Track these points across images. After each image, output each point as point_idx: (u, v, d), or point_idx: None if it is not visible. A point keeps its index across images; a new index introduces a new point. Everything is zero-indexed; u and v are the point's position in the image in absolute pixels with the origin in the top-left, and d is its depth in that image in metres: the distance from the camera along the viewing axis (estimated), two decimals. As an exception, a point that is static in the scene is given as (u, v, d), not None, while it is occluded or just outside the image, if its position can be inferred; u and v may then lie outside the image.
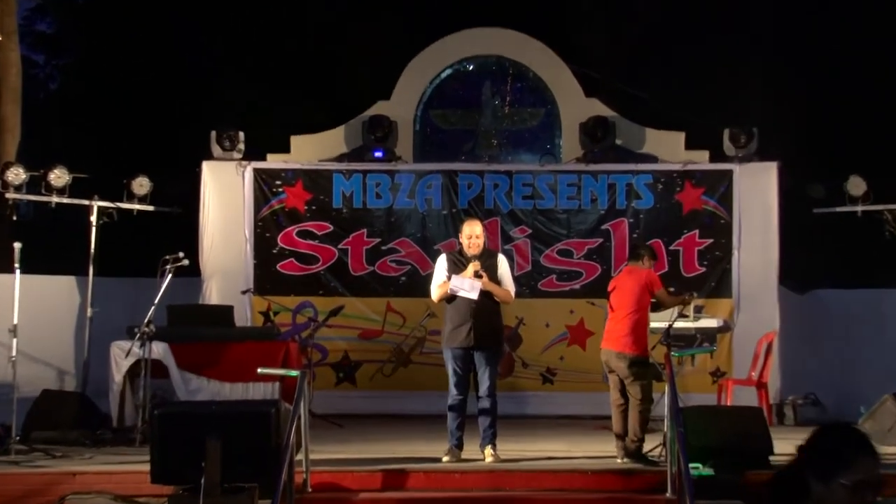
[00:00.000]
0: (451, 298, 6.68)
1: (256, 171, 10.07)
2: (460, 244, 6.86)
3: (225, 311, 8.78)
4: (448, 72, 10.66)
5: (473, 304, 6.56)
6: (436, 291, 6.80)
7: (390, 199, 10.19)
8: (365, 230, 10.17)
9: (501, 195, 10.17)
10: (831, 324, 9.73)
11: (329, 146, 10.36)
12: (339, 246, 10.13)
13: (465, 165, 10.31)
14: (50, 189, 9.21)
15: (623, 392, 6.79)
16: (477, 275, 6.59)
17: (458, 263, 6.80)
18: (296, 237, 10.11)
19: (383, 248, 10.17)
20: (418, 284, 9.83)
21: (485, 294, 6.63)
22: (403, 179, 10.14)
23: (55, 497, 5.80)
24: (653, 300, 6.80)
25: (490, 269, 6.76)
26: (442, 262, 6.86)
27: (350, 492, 5.93)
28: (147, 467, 5.34)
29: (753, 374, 9.01)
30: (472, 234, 6.71)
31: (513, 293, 6.83)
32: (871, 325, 9.54)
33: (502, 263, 6.83)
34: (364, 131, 10.26)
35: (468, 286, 6.51)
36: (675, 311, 7.30)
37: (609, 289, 7.01)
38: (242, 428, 5.24)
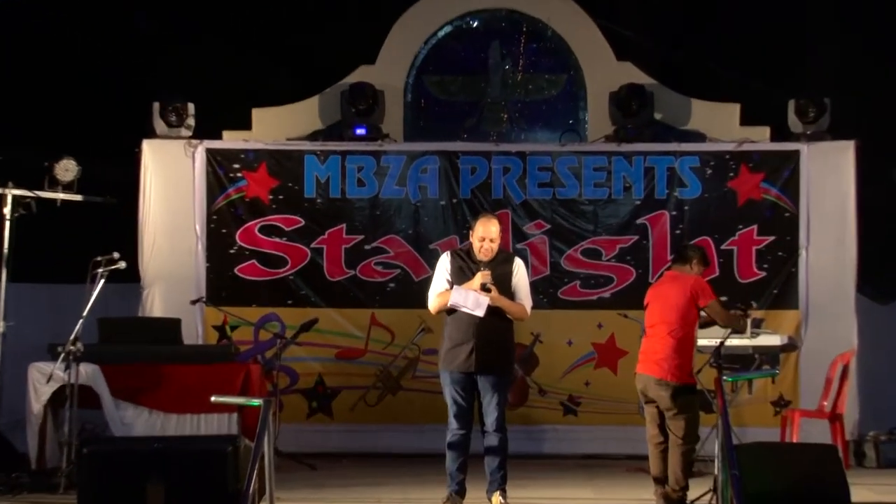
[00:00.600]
0: (451, 309, 6.73)
1: (210, 153, 10.11)
2: (468, 244, 6.90)
3: (170, 326, 8.84)
4: (447, 29, 10.72)
5: (478, 319, 6.63)
6: (434, 300, 6.82)
7: (375, 186, 10.20)
8: (344, 225, 10.17)
9: (513, 182, 10.20)
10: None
11: (299, 121, 10.43)
12: (313, 245, 10.16)
13: (467, 145, 10.34)
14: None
15: (663, 427, 6.88)
16: (485, 288, 6.61)
17: (463, 268, 6.81)
18: (258, 234, 10.17)
19: (367, 247, 10.18)
20: (410, 292, 9.89)
21: (493, 310, 6.68)
22: (392, 162, 10.17)
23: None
24: (701, 315, 6.89)
25: (503, 279, 6.77)
26: (444, 264, 6.86)
27: (325, 549, 5.95)
28: (74, 519, 5.26)
29: (825, 403, 9.05)
30: (487, 235, 6.73)
31: (528, 308, 6.86)
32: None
33: (519, 270, 6.86)
34: (343, 103, 10.29)
35: (472, 302, 6.55)
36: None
37: (646, 300, 7.07)
38: (192, 470, 5.26)
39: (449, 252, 6.96)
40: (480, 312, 6.52)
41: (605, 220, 10.16)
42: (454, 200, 10.18)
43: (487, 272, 6.63)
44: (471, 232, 6.87)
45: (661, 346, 6.77)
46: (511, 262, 6.85)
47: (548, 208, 10.17)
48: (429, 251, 10.01)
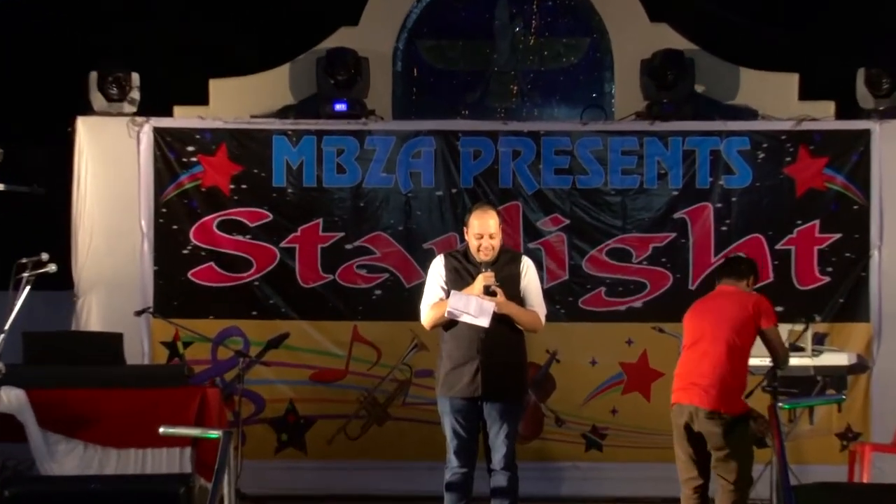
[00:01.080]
0: (449, 323, 6.78)
1: (158, 133, 10.15)
2: (465, 243, 6.95)
3: (110, 342, 8.84)
4: (445, -17, 10.77)
5: (482, 334, 6.67)
6: (428, 313, 6.88)
7: (358, 173, 10.24)
8: (320, 220, 10.22)
9: (524, 168, 10.22)
10: None
11: (266, 95, 10.46)
12: (283, 244, 10.19)
13: (470, 124, 10.36)
14: None
15: (702, 465, 6.95)
16: (489, 292, 6.66)
17: (461, 272, 6.88)
18: (217, 231, 10.20)
19: (348, 247, 10.21)
20: (400, 301, 9.92)
21: (500, 319, 6.72)
22: (378, 144, 10.21)
23: None
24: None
25: (509, 281, 6.83)
26: (438, 268, 6.93)
27: None
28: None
29: (902, 436, 9.03)
30: (484, 230, 6.78)
31: (542, 316, 6.94)
32: None
33: (528, 271, 6.94)
34: (319, 72, 10.29)
35: (475, 308, 6.59)
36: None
37: (688, 316, 7.17)
38: (137, 515, 5.07)
39: (443, 255, 7.03)
40: (485, 322, 6.57)
41: (635, 214, 10.17)
42: (453, 191, 10.19)
43: (490, 273, 6.69)
44: (465, 229, 6.95)
45: (711, 369, 6.83)
46: (518, 261, 6.93)
47: (566, 200, 10.18)
48: (422, 252, 9.99)
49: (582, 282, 10.17)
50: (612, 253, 10.20)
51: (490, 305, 6.62)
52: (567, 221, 10.19)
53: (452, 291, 6.66)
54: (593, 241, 10.18)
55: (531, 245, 10.09)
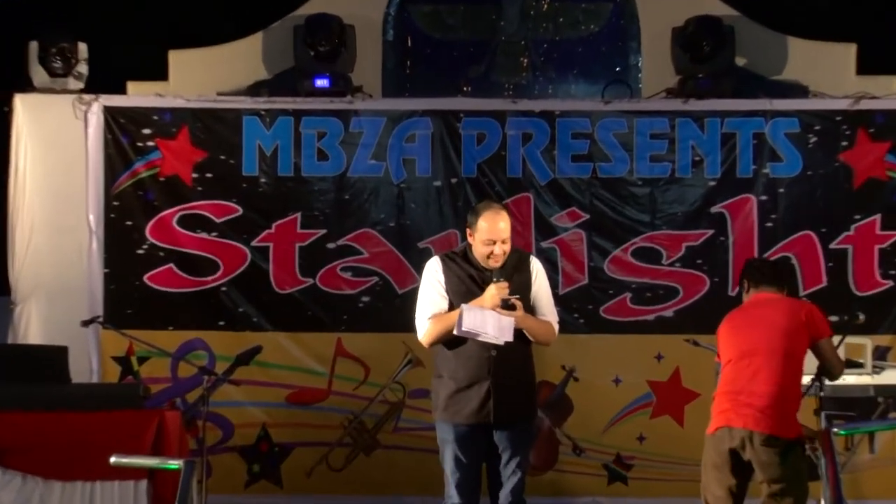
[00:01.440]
0: (453, 339, 6.75)
1: (109, 113, 10.17)
2: (467, 245, 6.93)
3: (53, 357, 8.84)
4: (444, -63, 10.84)
5: (494, 351, 6.67)
6: (429, 327, 6.82)
7: (343, 160, 10.26)
8: (298, 215, 10.25)
9: (536, 154, 10.23)
10: None
11: (236, 69, 10.49)
12: (254, 243, 10.22)
13: (473, 103, 10.36)
14: None
15: (739, 498, 6.96)
16: (507, 306, 6.62)
17: (463, 278, 6.85)
18: (177, 227, 10.22)
19: (330, 245, 10.23)
20: (391, 310, 10.00)
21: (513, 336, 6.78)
22: (366, 127, 10.21)
23: None
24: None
25: (521, 289, 6.84)
26: (435, 273, 6.89)
27: None
28: None
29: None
30: (497, 236, 6.74)
31: (556, 326, 6.97)
32: None
33: (538, 275, 6.96)
34: (297, 42, 10.30)
35: (493, 326, 6.56)
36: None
37: (726, 327, 7.17)
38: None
39: (438, 258, 6.98)
40: (507, 338, 6.58)
41: (666, 207, 10.18)
42: (453, 181, 10.20)
43: (505, 284, 6.65)
44: (469, 231, 6.91)
45: (765, 386, 6.85)
46: (527, 263, 6.94)
47: (586, 192, 10.19)
48: (417, 252, 10.01)
49: (604, 287, 10.15)
50: (639, 253, 10.19)
51: (510, 322, 6.60)
52: (586, 216, 10.18)
53: (464, 307, 6.59)
54: (617, 239, 10.17)
55: (544, 244, 10.12)
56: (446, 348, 6.80)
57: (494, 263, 6.71)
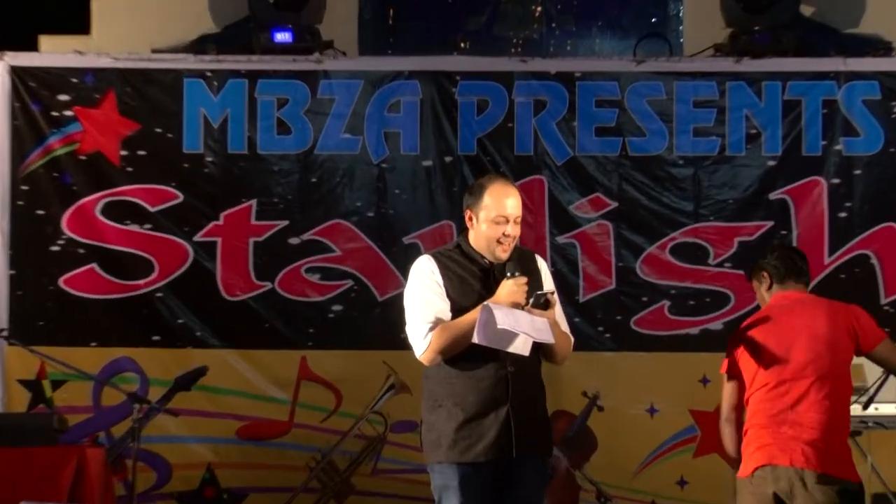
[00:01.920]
0: (462, 355, 6.13)
1: (17, 74, 9.72)
2: (461, 239, 6.38)
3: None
4: None
5: (511, 367, 6.17)
6: (434, 337, 6.19)
7: (309, 134, 9.69)
8: (253, 202, 9.68)
9: (551, 127, 9.61)
10: None
11: (175, 20, 10.06)
12: (198, 237, 9.67)
13: (472, 62, 9.91)
14: None
15: None
16: (540, 303, 6.13)
17: (466, 278, 6.29)
18: (101, 217, 9.74)
19: (293, 241, 9.69)
20: (368, 321, 9.55)
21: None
22: (338, 92, 9.73)
23: None
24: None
25: (535, 290, 6.30)
26: (430, 274, 6.31)
27: None
28: None
29: None
30: (508, 213, 6.24)
31: (570, 338, 6.54)
32: None
33: (547, 276, 6.53)
34: (252, -11, 10.06)
35: (528, 326, 6.09)
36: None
37: (752, 338, 6.68)
38: None
39: (429, 256, 6.42)
40: (546, 340, 6.16)
41: (714, 193, 9.62)
42: (448, 159, 9.65)
43: (523, 279, 6.12)
44: (468, 214, 6.29)
45: (814, 414, 6.41)
46: (533, 262, 6.49)
47: (613, 174, 9.64)
48: (402, 248, 9.46)
49: (636, 292, 9.62)
50: (681, 250, 9.62)
51: (544, 323, 6.11)
52: (614, 204, 9.65)
53: (490, 305, 6.05)
54: (652, 233, 9.62)
55: (561, 239, 9.60)
56: (450, 367, 6.20)
57: (504, 253, 6.22)
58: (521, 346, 6.13)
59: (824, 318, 6.57)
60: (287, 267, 9.62)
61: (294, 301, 9.64)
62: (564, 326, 6.47)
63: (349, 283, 9.63)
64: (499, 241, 6.18)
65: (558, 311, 6.39)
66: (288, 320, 9.64)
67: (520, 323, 6.10)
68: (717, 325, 9.52)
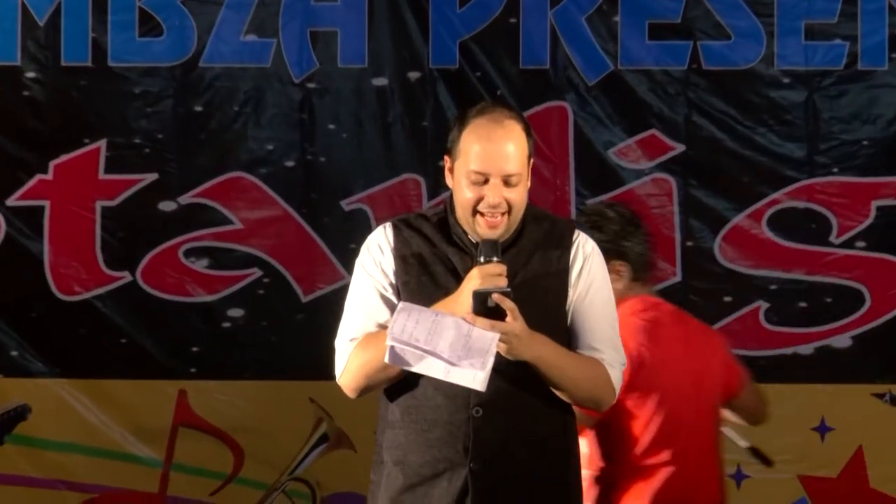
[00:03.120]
0: (400, 384, 4.83)
1: None
2: (447, 203, 5.04)
3: None
4: None
5: (478, 408, 4.78)
6: (353, 358, 4.92)
7: (191, 36, 7.96)
8: (103, 145, 7.98)
9: (580, 24, 7.97)
10: None
11: None
12: (12, 200, 8.01)
13: None
14: None
15: None
16: (489, 308, 4.73)
17: (432, 265, 5.00)
18: None
19: (165, 206, 8.03)
20: (287, 334, 7.99)
21: (518, 373, 4.80)
22: None
23: None
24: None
25: (542, 289, 4.86)
26: (378, 254, 4.98)
27: None
28: None
29: None
30: (492, 168, 4.79)
31: (617, 372, 4.87)
32: None
33: (589, 264, 4.88)
34: None
35: (454, 344, 4.76)
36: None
37: (640, 366, 5.52)
38: None
39: (390, 224, 4.98)
40: (480, 378, 4.61)
41: (838, 130, 7.85)
42: (413, 75, 8.03)
43: (500, 267, 4.67)
44: (446, 160, 4.87)
45: (706, 478, 5.57)
46: (565, 241, 4.95)
47: (679, 98, 7.91)
48: (340, 218, 7.77)
49: (714, 288, 7.96)
50: (786, 221, 7.83)
51: (490, 339, 4.58)
52: (680, 148, 7.86)
53: (402, 305, 4.71)
54: (740, 193, 7.84)
55: (594, 202, 7.75)
56: (391, 402, 4.85)
57: (488, 227, 4.77)
58: (467, 376, 4.76)
59: (699, 342, 5.78)
60: (156, 248, 7.82)
61: (168, 302, 7.87)
62: (607, 353, 4.92)
63: (256, 272, 7.81)
64: (478, 212, 4.75)
65: (599, 325, 4.88)
66: (158, 333, 7.88)
67: (438, 337, 4.83)
68: (842, 340, 7.82)
